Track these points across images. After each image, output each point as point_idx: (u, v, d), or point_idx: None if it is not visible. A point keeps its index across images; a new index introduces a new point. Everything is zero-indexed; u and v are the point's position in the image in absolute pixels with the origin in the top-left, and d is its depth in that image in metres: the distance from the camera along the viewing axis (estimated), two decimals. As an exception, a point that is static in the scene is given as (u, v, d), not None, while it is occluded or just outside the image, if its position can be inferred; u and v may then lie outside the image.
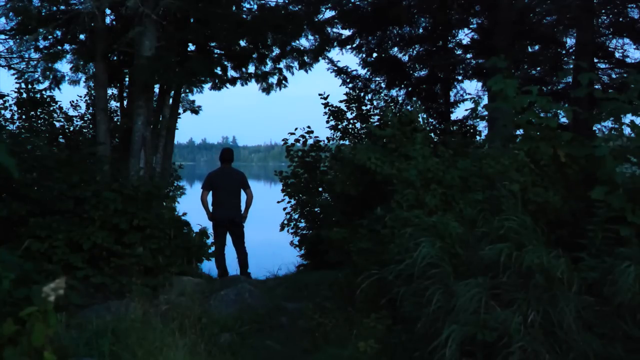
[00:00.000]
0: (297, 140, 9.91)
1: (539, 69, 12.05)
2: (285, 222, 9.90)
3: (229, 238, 8.43)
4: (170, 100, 9.47)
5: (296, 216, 9.87)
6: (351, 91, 11.66)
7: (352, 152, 6.64)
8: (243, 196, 8.45)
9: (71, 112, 10.66)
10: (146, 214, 6.76)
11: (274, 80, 10.60)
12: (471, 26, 12.27)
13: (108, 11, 9.11)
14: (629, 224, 4.41)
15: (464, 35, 12.54)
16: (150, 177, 8.28)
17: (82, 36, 9.41)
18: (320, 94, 10.67)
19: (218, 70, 9.86)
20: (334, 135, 10.79)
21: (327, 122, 10.76)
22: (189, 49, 9.45)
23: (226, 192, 8.29)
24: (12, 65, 10.63)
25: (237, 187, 8.37)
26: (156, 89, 9.10)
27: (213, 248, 7.74)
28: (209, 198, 8.41)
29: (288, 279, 8.18)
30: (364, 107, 11.04)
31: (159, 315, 4.94)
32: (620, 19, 10.86)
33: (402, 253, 4.65)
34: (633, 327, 3.88)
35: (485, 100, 10.37)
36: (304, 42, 10.46)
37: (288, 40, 9.86)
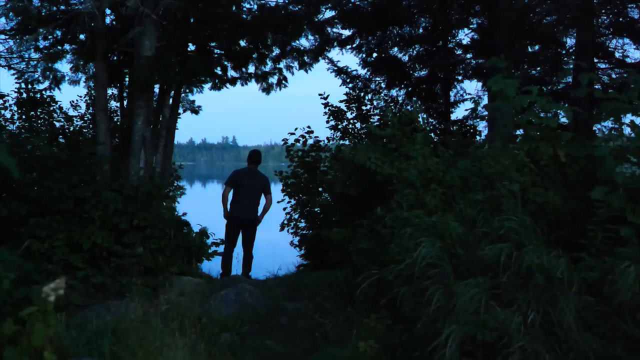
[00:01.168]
0: (297, 140, 9.92)
1: (539, 69, 12.05)
2: (285, 222, 9.90)
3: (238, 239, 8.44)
4: (170, 100, 9.48)
5: (296, 216, 9.87)
6: (351, 91, 11.67)
7: (352, 152, 6.64)
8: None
9: (71, 112, 10.67)
10: (146, 214, 6.77)
11: (274, 80, 10.61)
12: (471, 26, 12.27)
13: (108, 11, 9.11)
14: (629, 224, 4.41)
15: (464, 35, 12.56)
16: (150, 177, 8.27)
17: (82, 36, 9.41)
18: (320, 94, 10.69)
19: (218, 70, 9.86)
20: (334, 135, 10.80)
21: (327, 122, 10.78)
22: (189, 49, 9.45)
23: (248, 192, 8.30)
24: (12, 65, 10.63)
25: (259, 190, 8.38)
26: (156, 89, 9.10)
27: (214, 248, 7.74)
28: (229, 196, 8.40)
29: (288, 279, 8.18)
30: (364, 107, 11.04)
31: (159, 315, 4.93)
32: (620, 19, 10.86)
33: (402, 253, 4.65)
34: (633, 327, 3.88)
35: (485, 100, 10.38)
36: (304, 42, 10.47)
37: (288, 40, 9.85)
